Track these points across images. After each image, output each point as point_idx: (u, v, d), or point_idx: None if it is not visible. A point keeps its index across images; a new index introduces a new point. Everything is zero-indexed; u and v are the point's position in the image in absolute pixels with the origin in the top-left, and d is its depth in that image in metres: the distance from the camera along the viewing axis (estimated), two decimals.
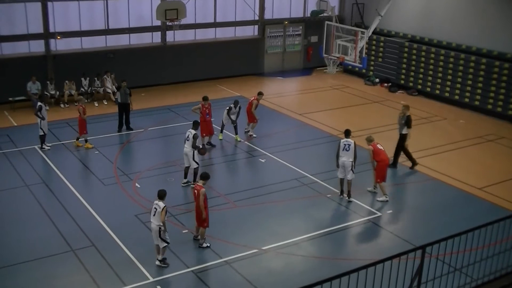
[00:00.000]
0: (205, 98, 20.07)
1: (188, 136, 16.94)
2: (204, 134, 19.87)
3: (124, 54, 27.34)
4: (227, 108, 20.79)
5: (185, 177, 17.37)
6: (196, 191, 13.56)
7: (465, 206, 16.76)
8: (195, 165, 16.95)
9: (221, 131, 21.30)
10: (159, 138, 21.91)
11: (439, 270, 9.04)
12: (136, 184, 17.39)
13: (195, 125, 17.38)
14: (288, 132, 22.35)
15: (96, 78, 25.51)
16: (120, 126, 21.92)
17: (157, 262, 13.07)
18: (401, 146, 18.85)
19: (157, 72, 28.38)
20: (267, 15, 31.46)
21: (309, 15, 31.90)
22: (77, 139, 20.38)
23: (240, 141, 21.02)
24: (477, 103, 25.63)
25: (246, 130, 21.81)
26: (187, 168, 17.25)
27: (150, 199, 15.81)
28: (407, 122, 18.49)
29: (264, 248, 13.96)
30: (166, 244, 12.91)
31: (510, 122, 24.19)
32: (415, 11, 29.10)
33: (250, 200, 16.53)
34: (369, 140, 16.66)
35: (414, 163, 19.03)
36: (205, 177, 13.86)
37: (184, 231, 14.60)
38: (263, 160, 19.62)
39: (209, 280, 12.70)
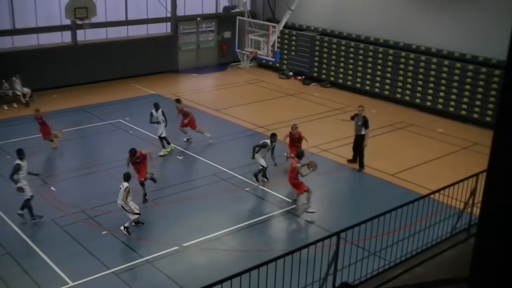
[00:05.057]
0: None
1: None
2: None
3: (33, 54, 26.44)
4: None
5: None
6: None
7: (381, 192, 17.36)
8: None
9: (168, 144, 19.83)
10: (74, 139, 21.36)
11: (354, 255, 9.37)
12: (52, 188, 16.96)
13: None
14: (204, 128, 22.38)
15: (4, 80, 24.58)
16: None
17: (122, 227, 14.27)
18: (361, 146, 18.64)
19: (69, 73, 27.58)
20: (180, 12, 31.33)
21: (221, 11, 32.05)
22: (51, 141, 20.15)
23: (168, 153, 19.78)
24: (387, 92, 26.61)
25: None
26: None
27: (66, 202, 15.50)
28: (364, 123, 18.47)
29: (185, 244, 14.00)
30: (137, 216, 14.32)
31: (418, 110, 25.22)
32: (325, 5, 29.78)
33: (169, 198, 16.48)
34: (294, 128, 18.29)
35: (360, 165, 18.84)
36: (301, 155, 16.07)
37: (103, 232, 14.39)
38: (180, 157, 19.58)
39: (131, 281, 12.62)
